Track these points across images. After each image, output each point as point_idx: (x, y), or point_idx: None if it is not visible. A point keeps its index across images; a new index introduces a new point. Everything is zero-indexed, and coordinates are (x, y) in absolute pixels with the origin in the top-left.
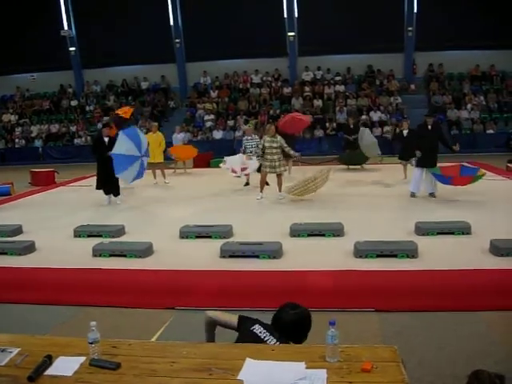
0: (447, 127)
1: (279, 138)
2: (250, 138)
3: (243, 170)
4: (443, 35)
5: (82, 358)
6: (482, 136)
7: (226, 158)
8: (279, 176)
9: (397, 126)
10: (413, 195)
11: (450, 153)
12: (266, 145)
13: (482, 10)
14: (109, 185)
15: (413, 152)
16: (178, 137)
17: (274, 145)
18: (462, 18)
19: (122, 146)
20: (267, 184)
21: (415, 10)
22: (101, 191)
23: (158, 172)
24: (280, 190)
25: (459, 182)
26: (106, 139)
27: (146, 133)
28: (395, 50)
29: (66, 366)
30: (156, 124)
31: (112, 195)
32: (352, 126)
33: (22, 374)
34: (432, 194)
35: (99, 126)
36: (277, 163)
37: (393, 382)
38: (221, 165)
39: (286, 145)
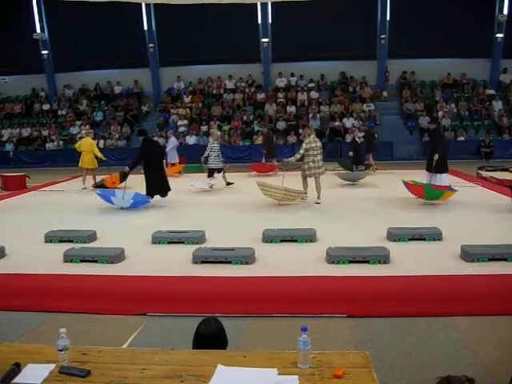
0: (419, 134)
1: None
2: (216, 142)
3: (211, 186)
4: (416, 43)
5: (52, 366)
6: (453, 143)
7: (193, 183)
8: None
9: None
10: None
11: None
12: (313, 145)
13: (455, 19)
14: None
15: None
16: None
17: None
18: (435, 27)
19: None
20: (229, 184)
21: (388, 18)
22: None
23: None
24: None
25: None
26: None
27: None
28: (368, 57)
29: (34, 373)
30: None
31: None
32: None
33: None
34: None
35: (71, 130)
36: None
37: None
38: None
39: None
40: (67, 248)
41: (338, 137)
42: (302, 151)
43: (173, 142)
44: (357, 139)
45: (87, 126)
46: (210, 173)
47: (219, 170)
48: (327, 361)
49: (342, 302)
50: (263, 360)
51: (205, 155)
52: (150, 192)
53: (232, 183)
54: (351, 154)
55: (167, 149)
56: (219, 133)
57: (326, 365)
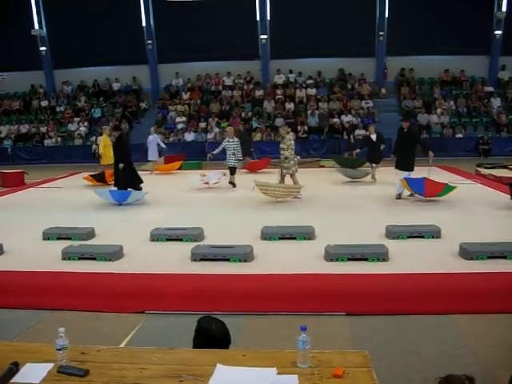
0: (419, 131)
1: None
2: (231, 139)
3: (206, 183)
4: (414, 40)
5: (50, 365)
6: (452, 140)
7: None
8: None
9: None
10: (398, 197)
11: (425, 156)
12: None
13: (453, 16)
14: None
15: (381, 154)
16: (150, 138)
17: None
18: (433, 24)
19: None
20: (234, 186)
21: (387, 15)
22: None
23: None
24: None
25: (430, 193)
26: None
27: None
28: (367, 54)
29: (33, 373)
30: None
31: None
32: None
33: None
34: (398, 195)
35: (70, 126)
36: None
37: None
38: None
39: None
40: (65, 245)
41: (336, 134)
42: (292, 147)
43: (155, 139)
44: (372, 137)
45: (85, 123)
46: (231, 171)
47: (233, 169)
48: (326, 360)
49: (340, 300)
50: (262, 359)
51: (214, 152)
52: (126, 186)
53: (234, 186)
54: (358, 151)
55: (162, 145)
56: (232, 128)
57: (326, 364)
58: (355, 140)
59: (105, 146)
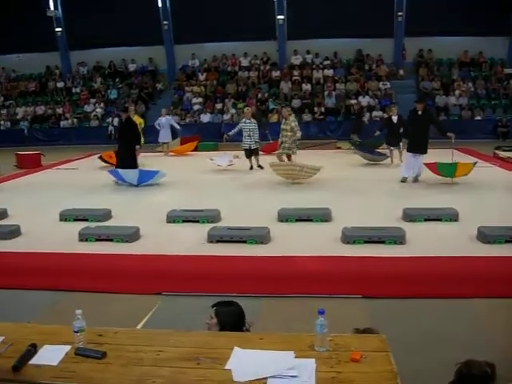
0: (435, 113)
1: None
2: (248, 121)
3: (219, 165)
4: (433, 21)
5: (68, 347)
6: (470, 122)
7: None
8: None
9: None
10: (403, 180)
11: (443, 138)
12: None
13: None
14: None
15: (400, 138)
16: (163, 120)
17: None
18: (452, 4)
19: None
20: (261, 167)
21: None
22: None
23: None
24: None
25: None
26: None
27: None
28: (385, 34)
29: (51, 354)
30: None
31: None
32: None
33: (7, 363)
34: (415, 178)
35: (86, 108)
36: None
37: (382, 372)
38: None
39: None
40: (82, 227)
41: (353, 115)
42: (298, 128)
43: (169, 121)
44: (393, 118)
45: (101, 104)
46: (245, 153)
47: (251, 151)
48: (344, 344)
49: (357, 283)
50: (280, 343)
51: (230, 133)
52: (136, 165)
53: (262, 167)
54: (378, 133)
55: (177, 127)
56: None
57: (343, 348)
58: (369, 122)
59: None
